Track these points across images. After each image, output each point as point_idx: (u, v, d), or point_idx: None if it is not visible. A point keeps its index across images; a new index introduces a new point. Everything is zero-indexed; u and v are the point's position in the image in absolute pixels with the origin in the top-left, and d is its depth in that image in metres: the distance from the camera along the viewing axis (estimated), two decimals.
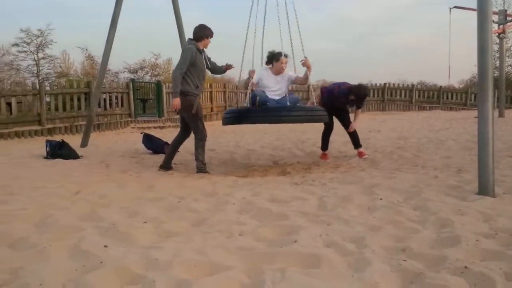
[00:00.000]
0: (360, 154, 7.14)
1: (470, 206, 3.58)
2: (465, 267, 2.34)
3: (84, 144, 9.46)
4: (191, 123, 6.03)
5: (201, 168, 6.00)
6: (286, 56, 6.34)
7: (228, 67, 6.41)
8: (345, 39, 68.30)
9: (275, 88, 6.32)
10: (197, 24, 6.03)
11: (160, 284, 2.19)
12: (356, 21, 66.56)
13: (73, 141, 9.15)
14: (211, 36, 6.05)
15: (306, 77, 6.48)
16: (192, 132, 6.19)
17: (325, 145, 7.36)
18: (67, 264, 2.49)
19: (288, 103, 6.05)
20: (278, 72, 6.37)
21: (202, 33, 5.98)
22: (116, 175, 5.77)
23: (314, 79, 24.29)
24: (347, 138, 7.56)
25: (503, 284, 2.15)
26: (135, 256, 2.54)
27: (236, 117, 6.09)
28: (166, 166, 6.22)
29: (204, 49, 6.10)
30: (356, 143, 7.25)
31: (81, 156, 7.63)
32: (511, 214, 3.35)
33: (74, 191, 4.58)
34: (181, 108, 5.90)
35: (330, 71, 56.62)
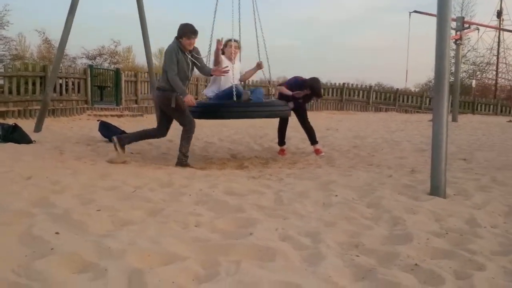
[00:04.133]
0: (317, 152, 7.23)
1: (422, 206, 3.68)
2: (416, 264, 2.41)
3: (37, 129, 9.18)
4: (177, 118, 5.89)
5: (182, 160, 5.83)
6: (235, 41, 6.49)
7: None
8: (307, 38, 68.93)
9: (229, 74, 6.31)
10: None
11: (112, 273, 2.15)
12: (320, 21, 67.22)
13: (27, 125, 8.85)
14: (188, 37, 5.73)
15: (252, 74, 6.91)
16: (166, 134, 6.19)
17: (281, 140, 7.40)
18: (17, 249, 2.43)
19: (252, 98, 6.17)
20: (229, 57, 6.46)
21: (182, 31, 5.72)
22: (70, 162, 5.62)
23: (275, 76, 24.30)
24: (305, 135, 7.64)
25: (452, 283, 2.22)
26: (88, 244, 2.49)
27: (203, 111, 6.08)
28: (122, 142, 5.88)
29: (195, 48, 5.91)
30: (312, 139, 7.35)
31: (34, 141, 7.39)
32: (461, 215, 3.47)
33: (26, 176, 4.43)
34: (161, 104, 5.90)
35: (291, 68, 57.15)
